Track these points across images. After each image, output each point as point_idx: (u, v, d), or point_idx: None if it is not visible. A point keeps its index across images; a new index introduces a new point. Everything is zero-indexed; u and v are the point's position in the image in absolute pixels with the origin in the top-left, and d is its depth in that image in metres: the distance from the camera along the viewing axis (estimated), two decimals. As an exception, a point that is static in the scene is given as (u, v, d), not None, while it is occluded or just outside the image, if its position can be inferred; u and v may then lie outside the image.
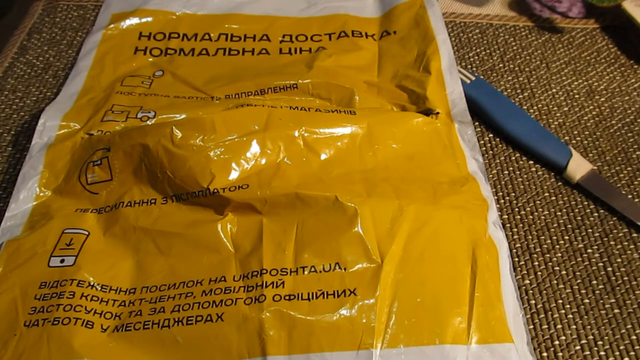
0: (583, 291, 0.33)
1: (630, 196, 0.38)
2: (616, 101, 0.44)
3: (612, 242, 0.35)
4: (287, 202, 0.31)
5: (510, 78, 0.45)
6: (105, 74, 0.42)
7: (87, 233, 0.31)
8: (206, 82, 0.41)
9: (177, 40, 0.45)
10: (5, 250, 0.31)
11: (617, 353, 0.31)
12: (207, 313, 0.28)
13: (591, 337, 0.31)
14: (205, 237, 0.31)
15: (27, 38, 0.47)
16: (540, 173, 0.39)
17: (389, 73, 0.42)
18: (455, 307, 0.29)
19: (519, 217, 0.36)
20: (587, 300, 0.33)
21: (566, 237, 0.35)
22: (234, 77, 0.41)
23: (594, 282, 0.33)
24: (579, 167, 0.38)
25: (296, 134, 0.34)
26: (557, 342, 0.31)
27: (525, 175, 0.39)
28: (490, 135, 0.41)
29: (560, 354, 0.31)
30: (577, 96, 0.44)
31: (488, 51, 0.47)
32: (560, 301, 0.33)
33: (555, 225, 0.36)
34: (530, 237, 0.35)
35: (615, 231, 0.36)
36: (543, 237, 0.35)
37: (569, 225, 0.36)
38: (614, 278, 0.34)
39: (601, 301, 0.33)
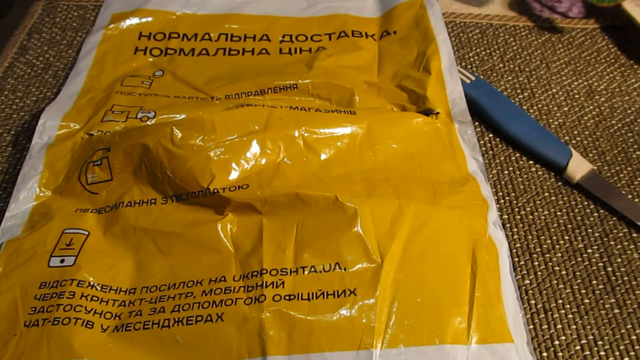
0: (583, 291, 0.33)
1: (630, 196, 0.38)
2: (616, 101, 0.44)
3: (612, 242, 0.35)
4: (287, 202, 0.31)
5: (510, 78, 0.45)
6: (105, 74, 0.42)
7: (87, 233, 0.31)
8: (206, 82, 0.41)
9: (177, 40, 0.45)
10: (5, 250, 0.31)
11: (617, 353, 0.31)
12: (207, 313, 0.28)
13: (591, 337, 0.31)
14: (205, 237, 0.31)
15: (27, 38, 0.47)
16: (540, 173, 0.39)
17: (389, 73, 0.42)
18: (455, 307, 0.29)
19: (519, 217, 0.36)
20: (587, 300, 0.33)
21: (566, 237, 0.35)
22: (234, 77, 0.41)
23: (594, 282, 0.33)
24: (579, 167, 0.38)
25: (296, 134, 0.34)
26: (557, 342, 0.31)
27: (525, 175, 0.39)
28: (490, 135, 0.41)
29: (560, 354, 0.31)
30: (577, 96, 0.44)
31: (488, 51, 0.47)
32: (560, 301, 0.33)
33: (555, 225, 0.36)
34: (530, 237, 0.35)
35: (615, 231, 0.36)
36: (543, 237, 0.35)
37: (569, 225, 0.36)
38: (614, 278, 0.34)
39: (601, 301, 0.33)
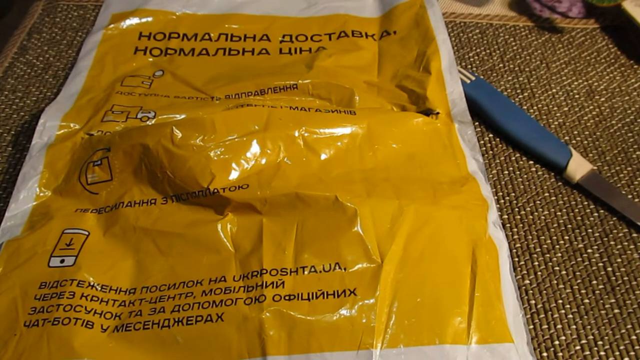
0: (583, 291, 0.33)
1: (630, 196, 0.38)
2: (616, 101, 0.44)
3: (612, 242, 0.35)
4: (287, 202, 0.31)
5: (510, 78, 0.45)
6: (105, 74, 0.42)
7: (87, 233, 0.31)
8: (206, 82, 0.41)
9: (177, 40, 0.45)
10: (5, 250, 0.31)
11: (617, 353, 0.31)
12: (207, 313, 0.28)
13: (591, 337, 0.31)
14: (205, 237, 0.31)
15: (27, 38, 0.47)
16: (540, 173, 0.39)
17: (389, 73, 0.42)
18: (455, 307, 0.29)
19: (519, 217, 0.36)
20: (587, 300, 0.33)
21: (566, 237, 0.35)
22: (234, 77, 0.41)
23: (594, 282, 0.33)
24: (579, 167, 0.38)
25: (296, 134, 0.34)
26: (557, 342, 0.31)
27: (525, 175, 0.39)
28: (490, 135, 0.41)
29: (560, 354, 0.31)
30: (577, 96, 0.44)
31: (488, 51, 0.47)
32: (560, 301, 0.33)
33: (555, 225, 0.36)
34: (530, 237, 0.35)
35: (615, 231, 0.36)
36: (543, 237, 0.35)
37: (569, 225, 0.36)
38: (614, 278, 0.34)
39: (601, 301, 0.33)
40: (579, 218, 0.36)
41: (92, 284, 0.29)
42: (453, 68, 0.41)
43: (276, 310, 0.28)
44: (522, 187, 0.38)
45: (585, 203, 0.37)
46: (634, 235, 0.36)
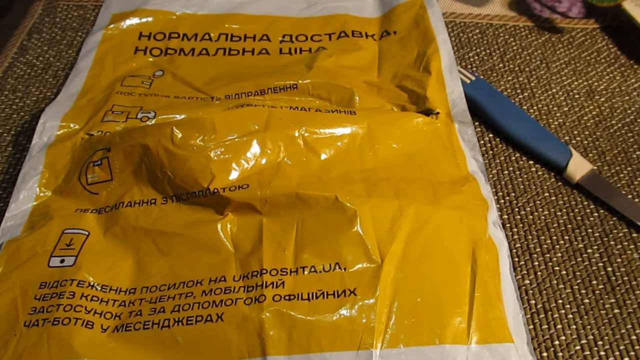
0: (583, 291, 0.33)
1: (630, 196, 0.38)
2: (616, 101, 0.44)
3: (612, 242, 0.35)
4: (287, 202, 0.31)
5: (510, 78, 0.45)
6: (105, 74, 0.42)
7: (87, 233, 0.31)
8: (206, 82, 0.41)
9: (177, 40, 0.45)
10: (5, 250, 0.31)
11: (617, 353, 0.31)
12: (207, 313, 0.28)
13: (591, 337, 0.31)
14: (205, 237, 0.31)
15: (27, 38, 0.47)
16: (540, 173, 0.39)
17: (389, 73, 0.42)
18: (455, 307, 0.29)
19: (519, 217, 0.36)
20: (587, 300, 0.33)
21: (566, 237, 0.35)
22: (234, 77, 0.41)
23: (594, 282, 0.33)
24: (579, 167, 0.38)
25: (296, 134, 0.34)
26: (557, 342, 0.31)
27: (525, 175, 0.39)
28: (490, 135, 0.41)
29: (560, 354, 0.31)
30: (577, 96, 0.44)
31: (488, 51, 0.47)
32: (560, 301, 0.33)
33: (555, 225, 0.36)
34: (530, 237, 0.35)
35: (615, 231, 0.36)
36: (543, 237, 0.35)
37: (569, 225, 0.36)
38: (614, 278, 0.34)
39: (601, 301, 0.33)
40: (579, 218, 0.36)
41: (92, 284, 0.29)
42: (453, 68, 0.41)
43: (276, 310, 0.28)
44: (522, 187, 0.38)
45: (585, 203, 0.37)
46: (634, 235, 0.36)
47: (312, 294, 0.28)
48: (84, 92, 0.41)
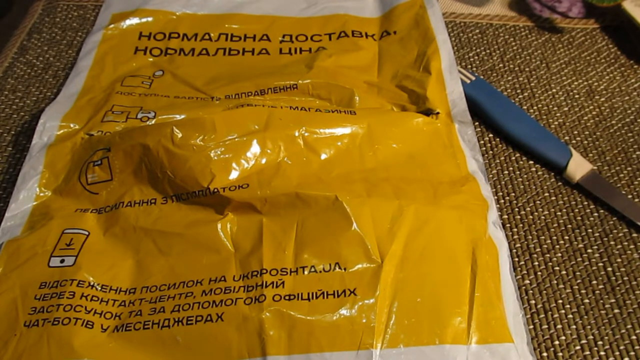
0: (583, 291, 0.33)
1: (630, 196, 0.38)
2: (616, 101, 0.44)
3: (612, 242, 0.35)
4: (287, 201, 0.31)
5: (510, 78, 0.45)
6: (105, 74, 0.42)
7: (87, 233, 0.31)
8: (206, 82, 0.41)
9: (177, 40, 0.45)
10: (5, 250, 0.31)
11: (617, 353, 0.31)
12: (207, 313, 0.28)
13: (591, 337, 0.31)
14: (205, 237, 0.31)
15: (27, 38, 0.47)
16: (540, 173, 0.39)
17: (389, 73, 0.42)
18: (455, 307, 0.29)
19: (519, 217, 0.36)
20: (587, 300, 0.33)
21: (566, 237, 0.35)
22: (234, 77, 0.41)
23: (594, 282, 0.33)
24: (579, 167, 0.38)
25: (296, 133, 0.34)
26: (557, 342, 0.31)
27: (525, 175, 0.39)
28: (490, 135, 0.41)
29: (560, 354, 0.31)
30: (577, 96, 0.44)
31: (488, 51, 0.47)
32: (560, 301, 0.33)
33: (555, 225, 0.36)
34: (530, 237, 0.35)
35: (615, 231, 0.36)
36: (543, 237, 0.35)
37: (569, 225, 0.36)
38: (614, 278, 0.34)
39: (601, 301, 0.33)
40: (579, 218, 0.36)
41: (92, 284, 0.29)
42: (453, 68, 0.41)
43: (276, 310, 0.28)
44: (522, 187, 0.38)
45: (585, 203, 0.37)
46: (634, 235, 0.36)
47: (312, 294, 0.28)
48: (84, 92, 0.41)
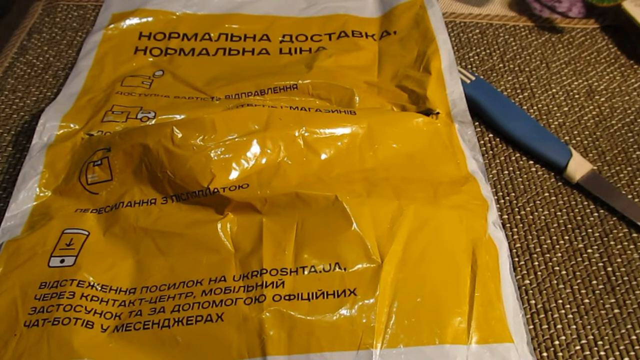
0: (583, 291, 0.33)
1: (630, 196, 0.38)
2: (616, 101, 0.44)
3: (612, 242, 0.35)
4: (287, 201, 0.31)
5: (510, 78, 0.45)
6: (105, 74, 0.42)
7: (87, 233, 0.31)
8: (206, 82, 0.41)
9: (177, 40, 0.45)
10: (5, 250, 0.31)
11: (617, 353, 0.31)
12: (207, 313, 0.28)
13: (591, 337, 0.31)
14: (205, 237, 0.31)
15: (27, 38, 0.47)
16: (540, 173, 0.39)
17: (389, 73, 0.42)
18: (455, 307, 0.29)
19: (519, 217, 0.36)
20: (587, 300, 0.33)
21: (566, 237, 0.35)
22: (234, 77, 0.41)
23: (594, 282, 0.33)
24: (579, 167, 0.38)
25: (296, 133, 0.34)
26: (557, 342, 0.31)
27: (525, 175, 0.39)
28: (490, 135, 0.41)
29: (560, 354, 0.31)
30: (577, 96, 0.44)
31: (488, 51, 0.47)
32: (560, 301, 0.33)
33: (555, 225, 0.36)
34: (530, 237, 0.35)
35: (615, 231, 0.36)
36: (543, 237, 0.35)
37: (569, 225, 0.36)
38: (614, 278, 0.34)
39: (601, 301, 0.33)
40: (579, 218, 0.36)
41: (92, 284, 0.29)
42: (453, 68, 0.41)
43: (276, 310, 0.28)
44: (522, 187, 0.38)
45: (585, 203, 0.37)
46: (634, 235, 0.36)
47: (312, 294, 0.28)
48: (84, 92, 0.41)
